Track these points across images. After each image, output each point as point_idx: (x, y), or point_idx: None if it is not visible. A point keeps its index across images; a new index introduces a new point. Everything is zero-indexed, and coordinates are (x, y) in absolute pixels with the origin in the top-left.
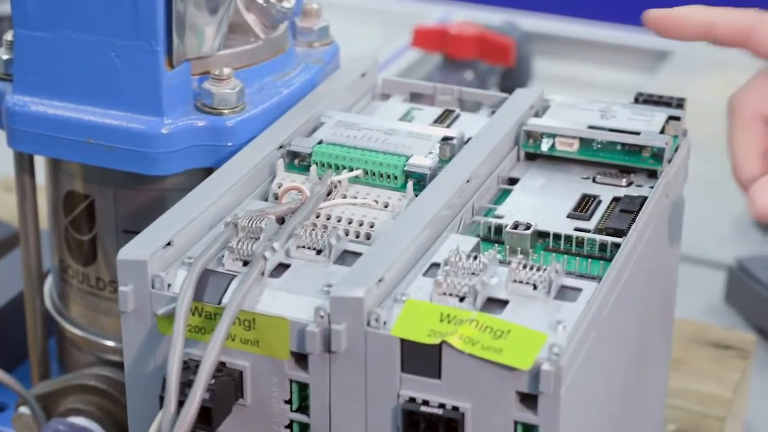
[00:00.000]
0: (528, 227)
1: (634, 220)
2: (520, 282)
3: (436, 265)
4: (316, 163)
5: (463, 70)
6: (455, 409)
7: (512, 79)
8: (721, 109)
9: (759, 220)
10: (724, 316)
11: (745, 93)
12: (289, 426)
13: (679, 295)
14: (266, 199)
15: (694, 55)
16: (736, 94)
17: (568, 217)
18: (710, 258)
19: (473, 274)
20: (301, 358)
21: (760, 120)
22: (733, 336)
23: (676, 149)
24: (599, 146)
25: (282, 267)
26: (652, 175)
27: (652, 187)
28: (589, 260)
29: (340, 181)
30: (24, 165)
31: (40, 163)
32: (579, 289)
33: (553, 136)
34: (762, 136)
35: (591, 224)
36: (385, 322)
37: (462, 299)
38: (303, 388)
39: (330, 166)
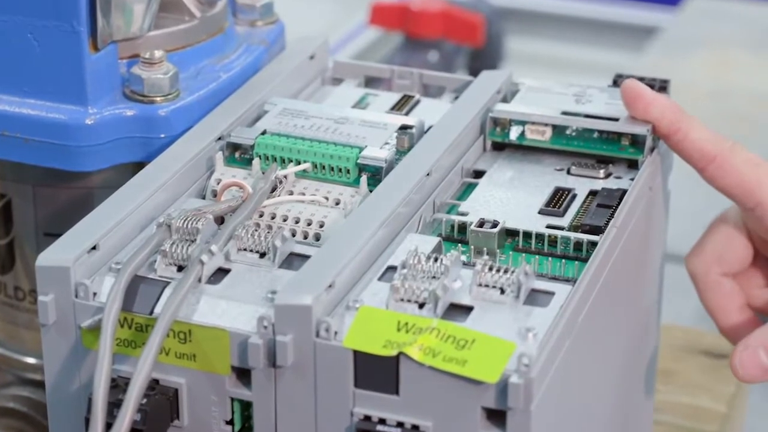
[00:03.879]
0: (495, 225)
1: (612, 215)
2: (486, 286)
3: (392, 268)
4: (259, 156)
5: (427, 51)
6: (415, 428)
7: (481, 60)
8: (715, 90)
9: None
10: None
11: (699, 257)
12: None
13: (667, 299)
14: (203, 197)
15: (685, 32)
16: (690, 260)
17: (539, 213)
18: None
19: (434, 277)
20: (243, 374)
21: (724, 277)
22: (728, 343)
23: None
24: (574, 134)
25: (221, 272)
26: (633, 165)
27: (632, 179)
28: (563, 261)
29: (285, 176)
30: None
31: None
32: (551, 293)
33: (522, 123)
34: (733, 289)
35: (565, 221)
36: (336, 333)
37: (421, 306)
38: (246, 406)
39: (274, 159)
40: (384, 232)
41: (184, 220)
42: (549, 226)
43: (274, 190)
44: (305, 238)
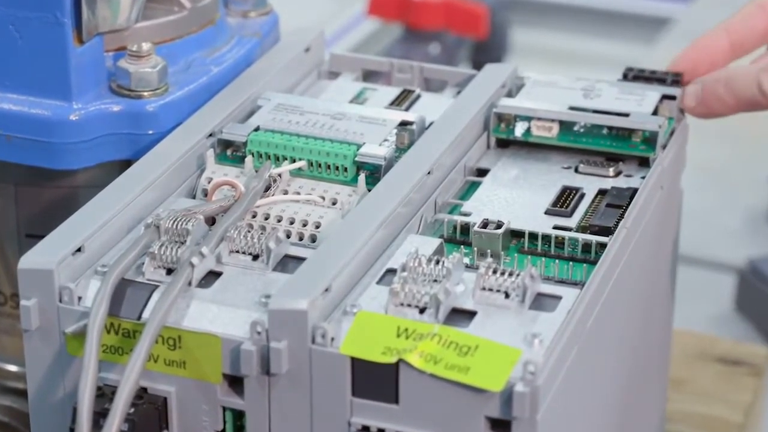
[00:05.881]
0: (499, 226)
1: (622, 216)
2: (490, 290)
3: (392, 271)
4: (252, 154)
5: (428, 43)
6: None
7: (485, 52)
8: None
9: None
10: (734, 326)
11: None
12: None
13: (680, 303)
14: (194, 197)
15: (698, 23)
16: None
17: (545, 213)
18: (717, 259)
19: (435, 281)
20: (235, 382)
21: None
22: (743, 350)
23: (672, 133)
24: (582, 130)
25: (212, 275)
26: (644, 163)
27: (643, 178)
28: (571, 263)
29: (280, 175)
30: None
31: None
32: (558, 297)
33: (528, 119)
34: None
35: (573, 221)
36: (332, 339)
37: (422, 310)
38: (238, 416)
39: (268, 157)
40: (383, 233)
41: (174, 221)
42: (556, 227)
43: (267, 189)
44: (300, 239)
